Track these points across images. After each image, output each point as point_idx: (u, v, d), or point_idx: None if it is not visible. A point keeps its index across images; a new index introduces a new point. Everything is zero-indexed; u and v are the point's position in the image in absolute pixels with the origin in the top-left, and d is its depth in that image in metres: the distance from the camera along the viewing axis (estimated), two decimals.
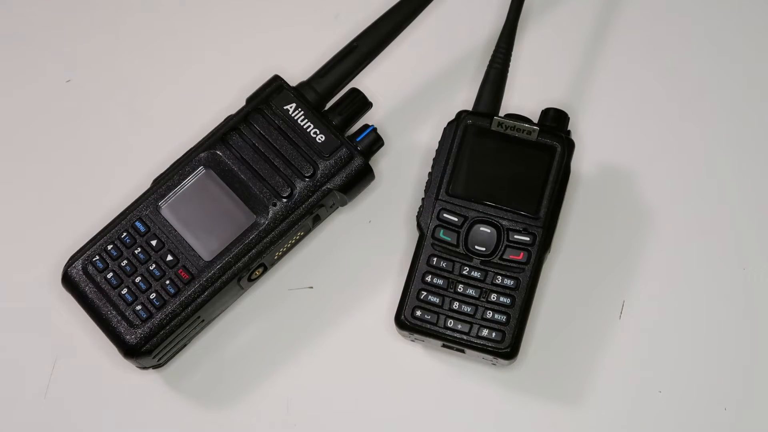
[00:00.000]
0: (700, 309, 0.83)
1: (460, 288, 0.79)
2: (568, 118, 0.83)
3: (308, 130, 0.82)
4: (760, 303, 0.83)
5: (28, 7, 0.92)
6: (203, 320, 0.81)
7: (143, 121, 0.89)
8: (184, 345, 0.83)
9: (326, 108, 0.84)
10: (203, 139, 0.82)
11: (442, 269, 0.79)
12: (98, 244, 0.80)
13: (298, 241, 0.83)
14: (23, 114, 0.90)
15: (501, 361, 0.79)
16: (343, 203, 0.84)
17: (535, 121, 0.82)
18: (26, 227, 0.87)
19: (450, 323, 0.79)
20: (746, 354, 0.82)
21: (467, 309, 0.79)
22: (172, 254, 0.80)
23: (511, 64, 0.83)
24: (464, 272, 0.79)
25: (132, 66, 0.91)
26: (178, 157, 0.82)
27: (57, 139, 0.89)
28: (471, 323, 0.78)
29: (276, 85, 0.83)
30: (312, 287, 0.85)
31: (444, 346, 0.80)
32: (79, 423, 0.82)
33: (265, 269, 0.82)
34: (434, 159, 0.82)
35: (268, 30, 0.91)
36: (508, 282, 0.79)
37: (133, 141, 0.89)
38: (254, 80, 0.85)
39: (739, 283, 0.83)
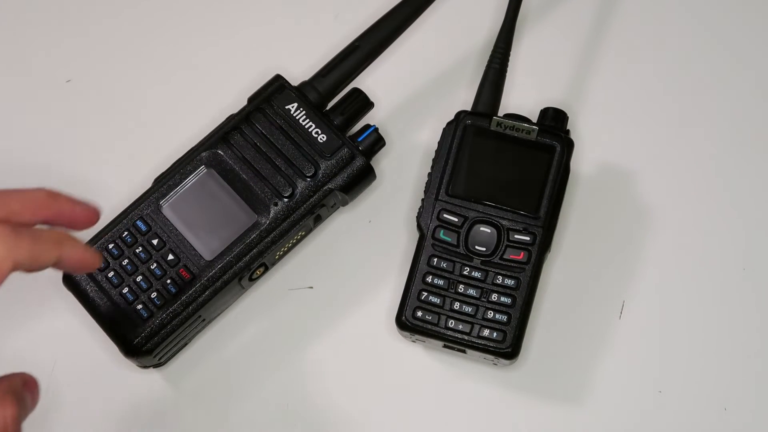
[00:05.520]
0: (700, 309, 0.83)
1: (461, 288, 0.79)
2: (567, 118, 0.83)
3: (310, 130, 0.81)
4: (760, 303, 0.83)
5: (29, 8, 0.92)
6: (204, 319, 0.81)
7: (144, 120, 0.89)
8: (185, 344, 0.82)
9: (328, 108, 0.84)
10: (205, 138, 0.82)
11: (442, 270, 0.79)
12: (99, 242, 0.80)
13: (299, 241, 0.83)
14: (23, 114, 0.89)
15: (502, 361, 0.79)
16: (345, 203, 0.83)
17: (534, 120, 0.82)
18: None
19: (451, 323, 0.79)
20: (746, 354, 0.82)
21: (468, 309, 0.79)
22: (173, 253, 0.79)
23: (509, 63, 0.83)
24: (465, 272, 0.79)
25: (133, 65, 0.91)
26: (180, 156, 0.82)
27: (58, 138, 0.89)
28: (472, 323, 0.78)
29: (278, 85, 0.83)
30: (312, 287, 0.85)
31: (445, 346, 0.80)
32: (79, 422, 0.82)
33: (266, 269, 0.82)
34: (434, 159, 0.81)
35: (269, 29, 0.91)
36: (509, 282, 0.79)
37: (134, 140, 0.88)
38: (256, 80, 0.84)
39: (739, 283, 0.83)
